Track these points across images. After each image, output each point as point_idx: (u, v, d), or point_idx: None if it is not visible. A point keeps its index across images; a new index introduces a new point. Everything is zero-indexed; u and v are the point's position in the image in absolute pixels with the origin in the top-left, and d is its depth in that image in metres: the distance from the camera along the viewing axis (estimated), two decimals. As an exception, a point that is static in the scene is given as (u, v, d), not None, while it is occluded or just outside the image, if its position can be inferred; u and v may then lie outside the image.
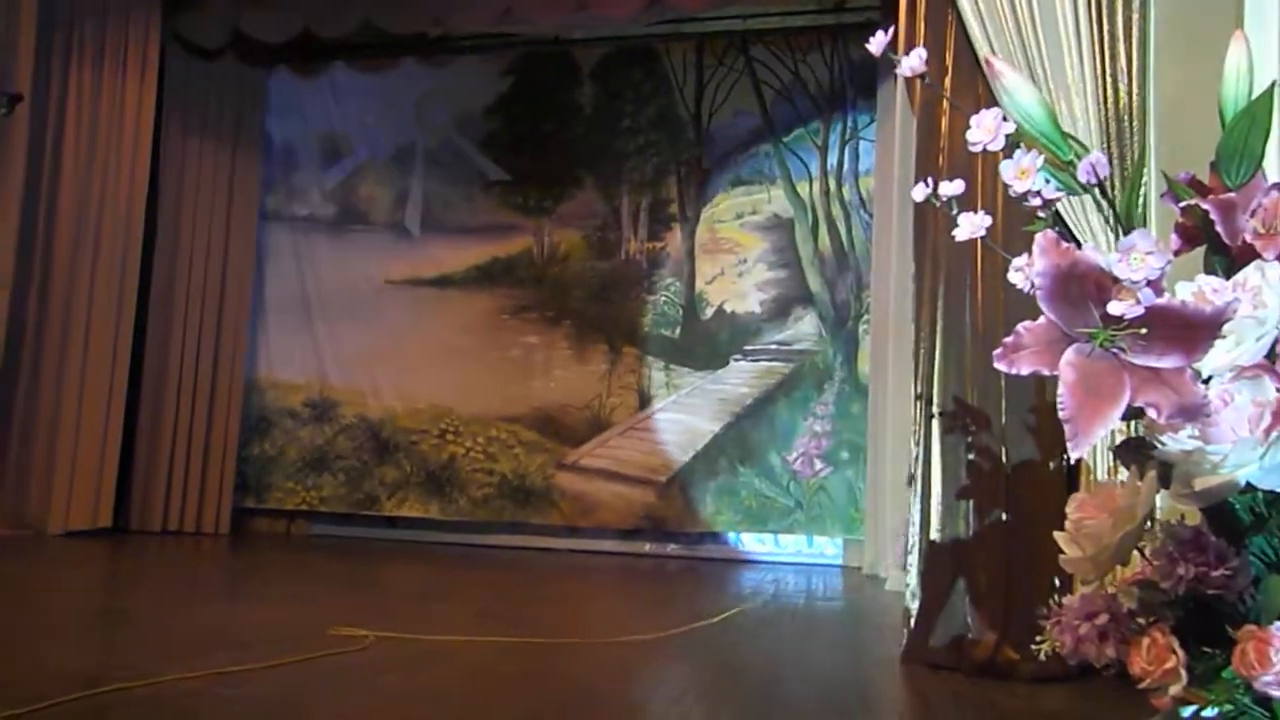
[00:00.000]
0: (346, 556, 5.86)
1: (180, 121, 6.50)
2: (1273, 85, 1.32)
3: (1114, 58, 2.71)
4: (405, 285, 6.80)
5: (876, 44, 1.29)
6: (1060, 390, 1.09)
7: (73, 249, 5.83)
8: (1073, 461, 2.72)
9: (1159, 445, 1.22)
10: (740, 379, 6.29)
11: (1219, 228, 1.29)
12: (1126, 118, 2.67)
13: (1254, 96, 1.33)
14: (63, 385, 5.80)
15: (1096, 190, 1.23)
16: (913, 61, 1.26)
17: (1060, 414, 1.08)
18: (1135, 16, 2.69)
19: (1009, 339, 1.15)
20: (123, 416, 6.10)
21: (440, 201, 6.86)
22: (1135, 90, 2.67)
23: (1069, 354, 1.11)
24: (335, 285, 6.86)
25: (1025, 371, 1.14)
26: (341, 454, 6.73)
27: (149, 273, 6.33)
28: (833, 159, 6.31)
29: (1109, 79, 2.70)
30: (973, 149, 1.25)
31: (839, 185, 6.29)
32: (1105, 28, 2.70)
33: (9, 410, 5.66)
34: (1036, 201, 1.25)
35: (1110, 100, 2.68)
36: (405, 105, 6.91)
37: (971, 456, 2.97)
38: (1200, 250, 1.39)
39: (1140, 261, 1.05)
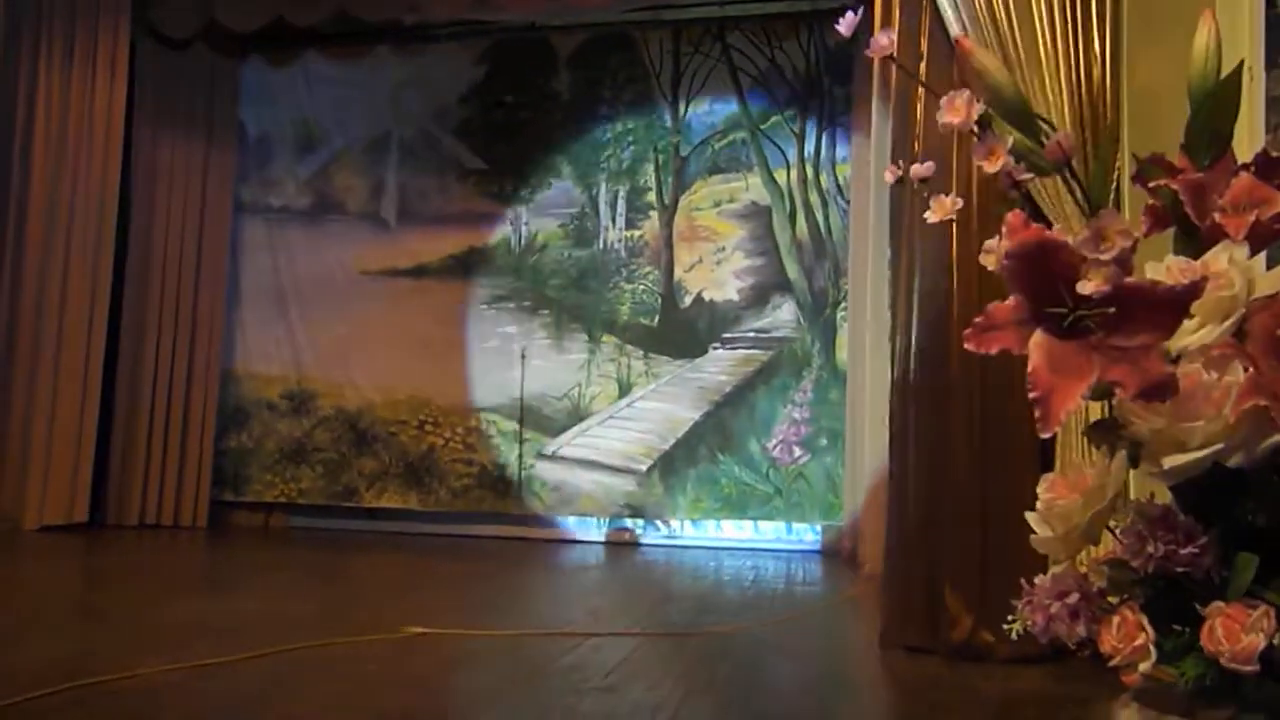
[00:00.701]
0: (325, 549, 5.84)
1: (152, 112, 6.42)
2: (1240, 65, 1.33)
3: (1087, 42, 2.72)
4: (382, 275, 6.75)
5: (846, 24, 1.29)
6: (1029, 370, 1.09)
7: (45, 242, 5.77)
8: (1047, 442, 2.74)
9: (1129, 424, 1.22)
10: (719, 367, 6.29)
11: (1188, 208, 1.30)
12: (1100, 103, 2.68)
13: (1222, 77, 1.34)
14: (37, 379, 5.74)
15: (1065, 169, 1.23)
16: (881, 41, 1.26)
17: (1029, 394, 1.09)
18: (1108, 1, 2.70)
19: (979, 319, 1.15)
20: (98, 410, 6.04)
21: (416, 191, 6.82)
22: (1108, 74, 2.68)
23: (1038, 334, 1.11)
24: (311, 276, 6.81)
25: (994, 351, 1.14)
26: (320, 446, 6.69)
27: (123, 265, 6.26)
28: (810, 146, 6.31)
29: (1082, 64, 2.71)
30: (944, 130, 1.25)
31: (816, 173, 6.29)
32: (1078, 12, 2.71)
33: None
34: (1007, 182, 1.25)
35: (1083, 85, 2.69)
36: (380, 94, 6.85)
37: (947, 440, 2.99)
38: (1170, 232, 1.39)
39: (1108, 240, 1.05)
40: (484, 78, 6.77)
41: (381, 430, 6.63)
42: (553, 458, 6.43)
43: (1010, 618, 1.38)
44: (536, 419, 6.48)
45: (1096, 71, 2.66)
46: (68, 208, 5.83)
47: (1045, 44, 2.69)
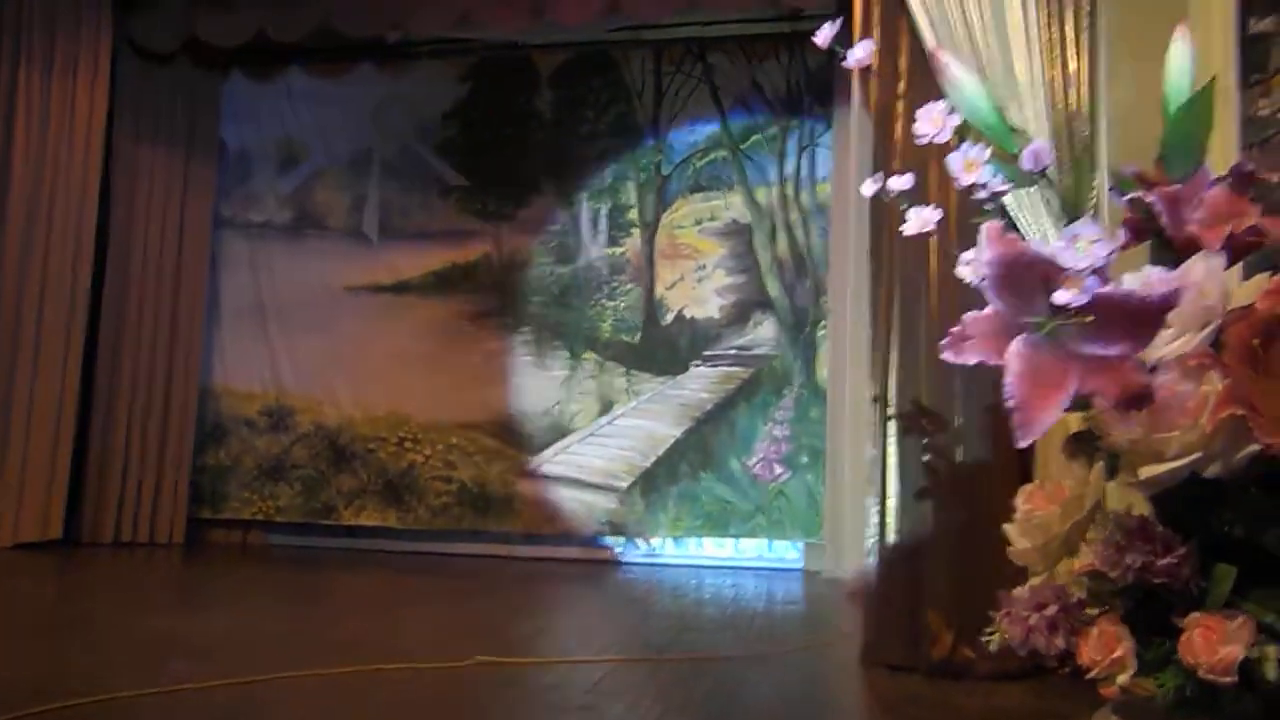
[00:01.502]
0: (303, 567, 5.78)
1: (132, 127, 6.39)
2: (1213, 81, 1.34)
3: (1065, 61, 2.75)
4: (363, 292, 6.73)
5: (823, 35, 1.29)
6: (1007, 379, 1.10)
7: (22, 256, 5.72)
8: (1025, 456, 2.75)
9: (1106, 435, 1.23)
10: (700, 384, 6.29)
11: (1164, 220, 1.31)
12: (1077, 117, 2.70)
13: (1196, 91, 1.35)
14: (12, 393, 5.67)
15: (1041, 179, 1.24)
16: (860, 52, 1.26)
17: (1008, 403, 1.08)
18: (1085, 19, 2.73)
19: (955, 329, 1.15)
20: (74, 425, 5.98)
21: (398, 207, 6.81)
22: (1085, 92, 2.70)
23: (1016, 343, 1.11)
24: (292, 292, 6.77)
25: (972, 361, 1.14)
26: (298, 463, 6.64)
27: (101, 280, 6.20)
28: (790, 166, 6.34)
29: (1059, 82, 2.74)
30: (919, 141, 1.25)
31: (796, 192, 6.32)
32: (1055, 31, 2.74)
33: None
34: (984, 194, 1.26)
35: (1061, 103, 2.71)
36: (362, 111, 6.84)
37: (928, 457, 2.99)
38: (1147, 244, 1.40)
39: (1085, 250, 1.06)
40: (466, 95, 6.78)
41: (361, 447, 6.59)
42: (533, 475, 6.40)
43: (988, 630, 1.38)
44: (517, 436, 6.45)
45: (1074, 86, 2.69)
46: (46, 220, 5.78)
47: (1023, 66, 2.71)
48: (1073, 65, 2.77)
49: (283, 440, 6.67)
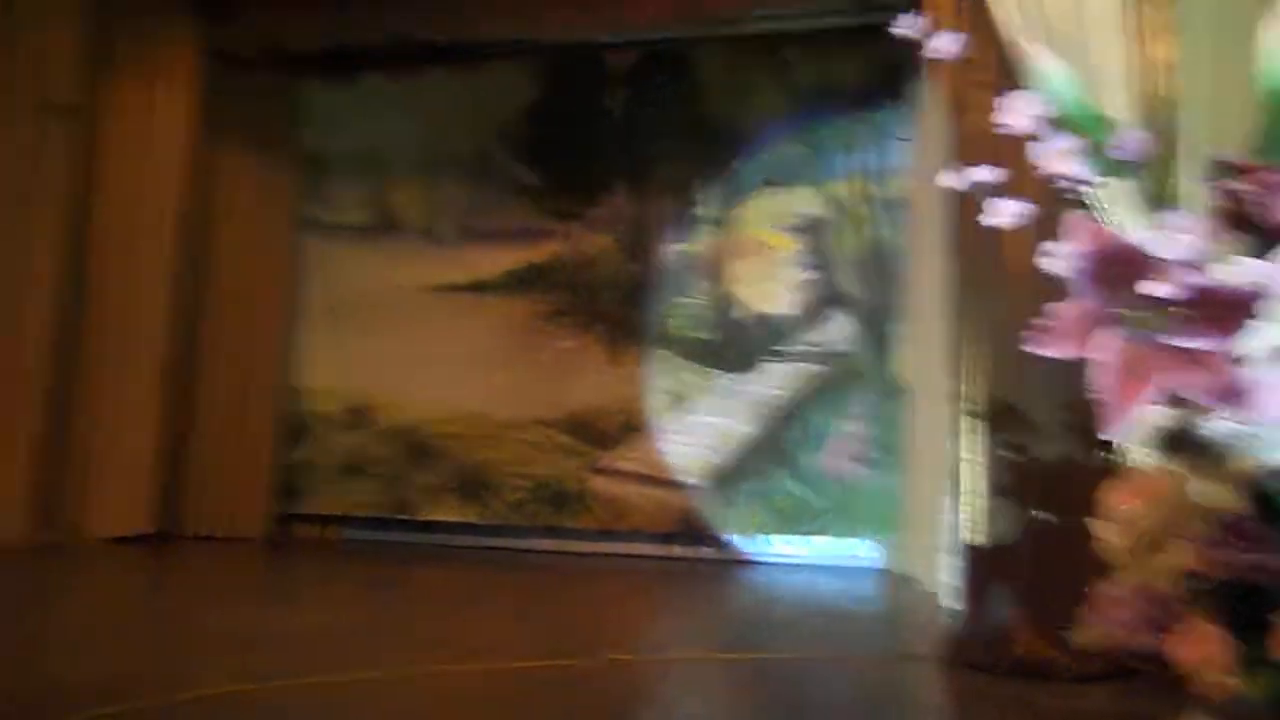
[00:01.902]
0: (382, 561, 5.90)
1: (218, 131, 6.57)
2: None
3: (1148, 46, 2.67)
4: (440, 291, 6.82)
5: (903, 27, 1.29)
6: (1094, 373, 1.08)
7: (112, 257, 5.92)
8: (1112, 450, 2.68)
9: (1197, 429, 1.20)
10: (773, 380, 6.26)
11: (1257, 209, 1.27)
12: (1163, 107, 2.63)
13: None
14: (102, 390, 5.88)
15: (1133, 168, 1.21)
16: (940, 42, 1.25)
17: (1096, 396, 1.07)
18: (1167, 3, 2.66)
19: (1041, 322, 1.14)
20: (162, 424, 6.17)
21: (473, 208, 6.90)
22: (1169, 78, 2.63)
23: (1104, 336, 1.10)
24: (371, 292, 6.90)
25: (1057, 354, 1.12)
26: (377, 459, 6.77)
27: (188, 281, 6.40)
28: (863, 158, 6.28)
29: (1143, 68, 2.67)
30: (1002, 132, 1.24)
31: (870, 184, 6.25)
32: (1138, 16, 2.67)
33: (53, 418, 5.74)
34: (1069, 184, 1.24)
35: (1144, 89, 2.64)
36: (438, 113, 6.95)
37: (1008, 453, 2.94)
38: (1237, 234, 1.36)
39: (1175, 240, 1.04)
40: (539, 96, 6.84)
41: (438, 444, 6.69)
42: (607, 472, 6.43)
43: (1073, 628, 1.36)
44: (591, 433, 6.49)
45: (1159, 72, 2.62)
46: (135, 223, 5.98)
47: (1104, 44, 2.64)
48: (1156, 50, 2.69)
49: (362, 437, 6.81)
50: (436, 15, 5.89)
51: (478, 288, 6.78)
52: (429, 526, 6.67)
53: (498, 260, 6.77)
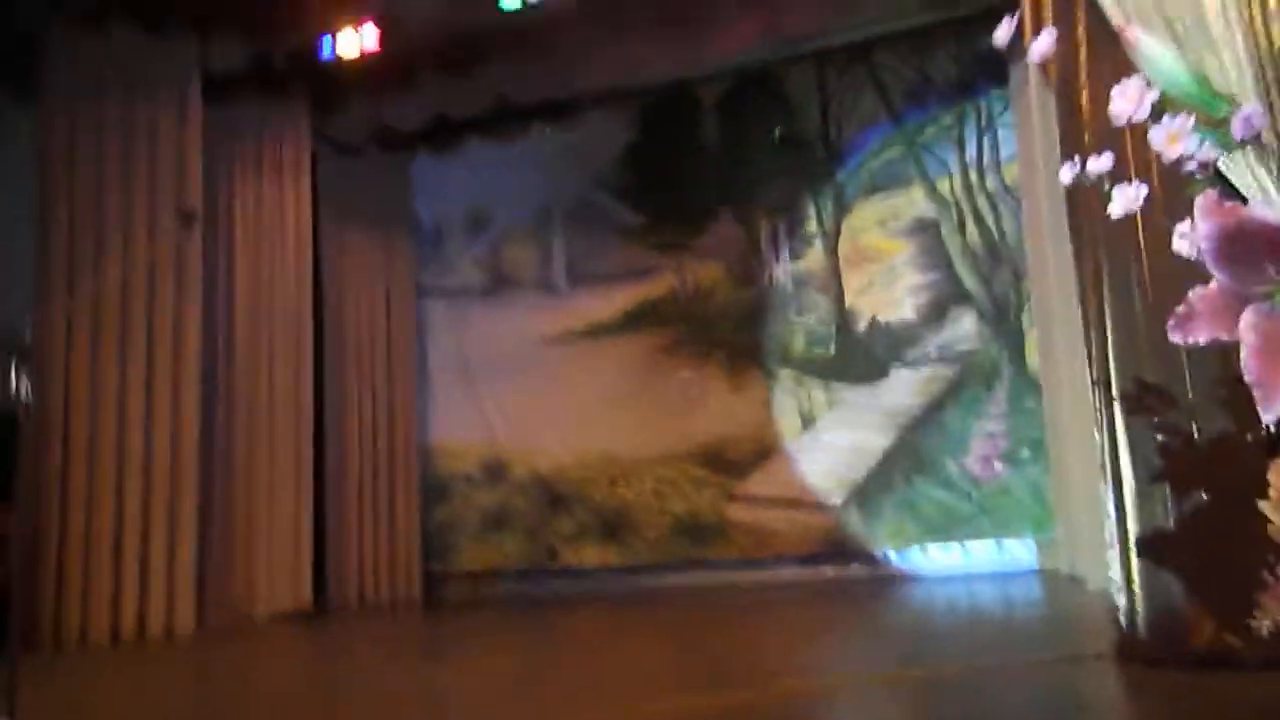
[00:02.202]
0: (532, 611, 5.94)
1: (336, 213, 6.87)
2: None
3: (1263, 21, 2.56)
4: (559, 340, 6.96)
5: (1001, 34, 1.28)
6: (1243, 354, 1.04)
7: (250, 346, 6.17)
8: (1272, 429, 2.55)
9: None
10: (903, 388, 6.16)
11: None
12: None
13: None
14: (253, 473, 6.09)
15: (1256, 144, 1.18)
16: (1042, 45, 1.24)
17: (1246, 378, 1.04)
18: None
19: (1181, 308, 1.11)
20: (311, 499, 6.38)
21: (582, 254, 7.03)
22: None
23: (1248, 315, 1.06)
24: (493, 348, 7.09)
25: (1203, 340, 1.09)
26: (517, 511, 6.90)
27: (321, 359, 6.65)
28: (971, 151, 6.16)
29: (1258, 24, 2.56)
30: (1117, 122, 1.22)
31: (981, 177, 6.13)
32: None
33: (209, 505, 5.95)
34: (1192, 165, 1.21)
35: (1263, 48, 2.53)
36: (539, 168, 7.12)
37: (1161, 437, 2.83)
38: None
39: (1314, 209, 1.00)
40: (635, 137, 6.94)
41: (574, 490, 6.79)
42: (744, 499, 6.42)
43: (1255, 613, 1.30)
44: (723, 462, 6.49)
45: (1276, 30, 2.50)
46: (268, 307, 6.24)
47: (1215, 13, 2.55)
48: (1274, 31, 2.58)
49: (501, 491, 6.96)
50: (532, 78, 6.04)
51: (595, 331, 6.89)
52: (572, 572, 6.75)
53: (612, 301, 6.87)
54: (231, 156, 6.20)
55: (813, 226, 6.50)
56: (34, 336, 4.76)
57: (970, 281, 6.10)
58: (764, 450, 6.42)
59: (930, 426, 6.06)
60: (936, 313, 6.16)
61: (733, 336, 6.60)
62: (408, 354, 7.09)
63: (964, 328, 6.07)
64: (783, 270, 6.54)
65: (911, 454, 6.07)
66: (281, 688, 3.82)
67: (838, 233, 6.43)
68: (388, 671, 3.95)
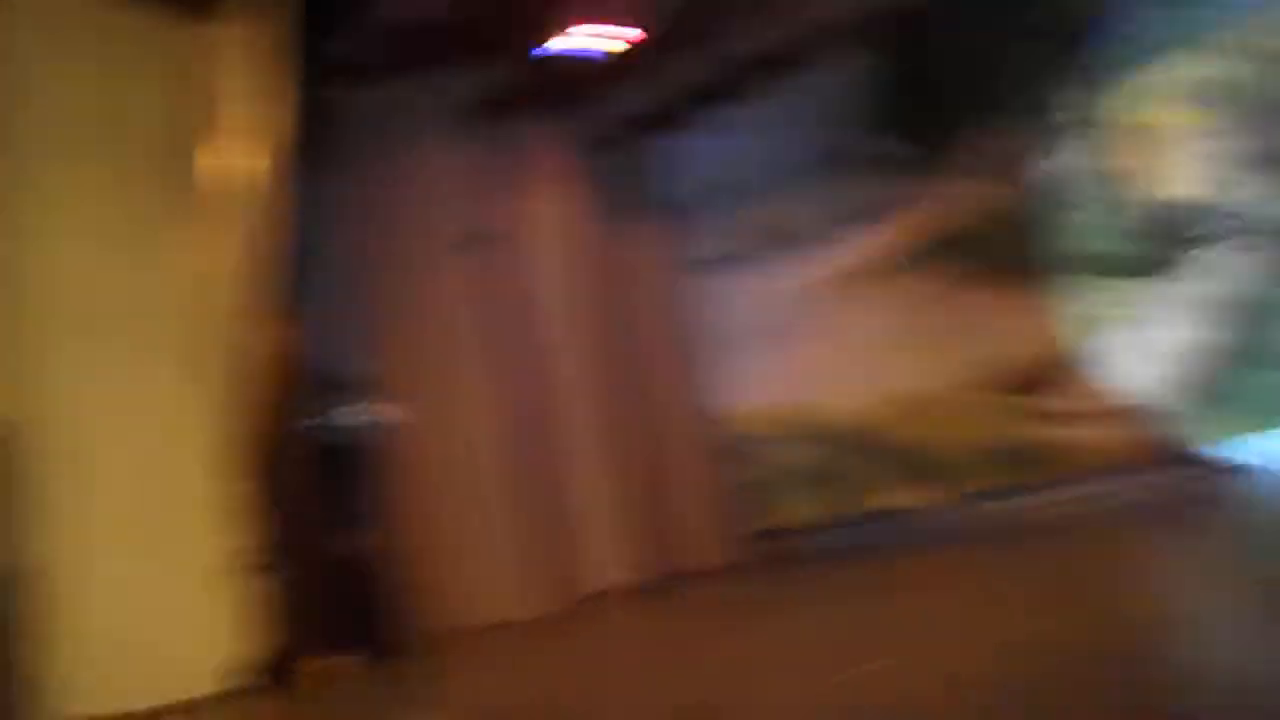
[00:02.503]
0: (855, 561, 5.71)
1: (600, 203, 7.03)
2: None
3: None
4: (832, 287, 6.89)
5: None
6: None
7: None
8: None
9: None
10: (1214, 272, 5.66)
11: None
12: None
13: None
14: (569, 453, 6.26)
15: None
16: None
17: None
18: None
19: None
20: (630, 472, 6.35)
21: (844, 199, 6.90)
22: None
23: None
24: (770, 306, 7.08)
25: None
26: (822, 463, 6.90)
27: (613, 344, 6.82)
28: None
29: None
30: None
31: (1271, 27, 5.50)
32: None
33: (526, 490, 6.20)
34: None
35: None
36: (779, 122, 7.04)
37: None
38: None
39: None
40: (867, 73, 6.72)
41: (876, 434, 6.70)
42: (1056, 418, 6.13)
43: None
44: (1025, 383, 6.23)
45: None
46: (562, 309, 6.48)
47: None
48: None
49: (803, 445, 6.98)
50: (756, 30, 5.95)
51: (870, 273, 6.77)
52: (886, 516, 6.69)
53: (881, 239, 6.72)
54: (507, 170, 6.48)
55: (1073, 120, 6.08)
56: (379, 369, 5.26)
57: (1264, 141, 5.53)
58: (1067, 364, 6.11)
59: (1255, 309, 5.54)
60: (1231, 184, 5.62)
61: (1011, 251, 6.31)
62: (693, 326, 7.17)
63: (1275, 193, 5.50)
64: (1048, 172, 6.16)
65: (1238, 341, 5.59)
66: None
67: (1103, 120, 5.99)
68: (748, 635, 3.82)
